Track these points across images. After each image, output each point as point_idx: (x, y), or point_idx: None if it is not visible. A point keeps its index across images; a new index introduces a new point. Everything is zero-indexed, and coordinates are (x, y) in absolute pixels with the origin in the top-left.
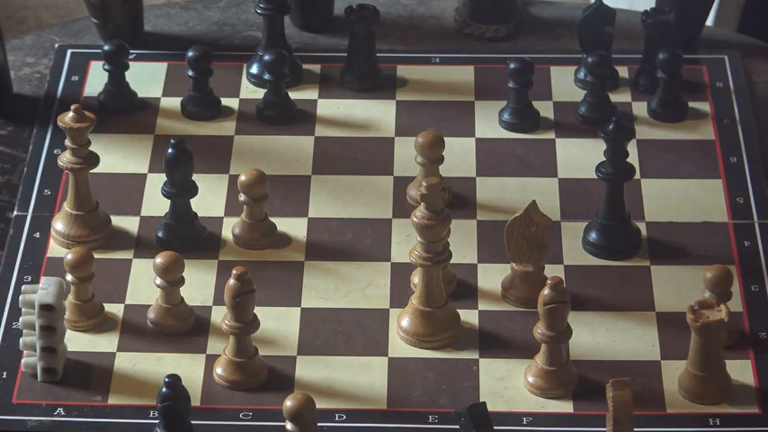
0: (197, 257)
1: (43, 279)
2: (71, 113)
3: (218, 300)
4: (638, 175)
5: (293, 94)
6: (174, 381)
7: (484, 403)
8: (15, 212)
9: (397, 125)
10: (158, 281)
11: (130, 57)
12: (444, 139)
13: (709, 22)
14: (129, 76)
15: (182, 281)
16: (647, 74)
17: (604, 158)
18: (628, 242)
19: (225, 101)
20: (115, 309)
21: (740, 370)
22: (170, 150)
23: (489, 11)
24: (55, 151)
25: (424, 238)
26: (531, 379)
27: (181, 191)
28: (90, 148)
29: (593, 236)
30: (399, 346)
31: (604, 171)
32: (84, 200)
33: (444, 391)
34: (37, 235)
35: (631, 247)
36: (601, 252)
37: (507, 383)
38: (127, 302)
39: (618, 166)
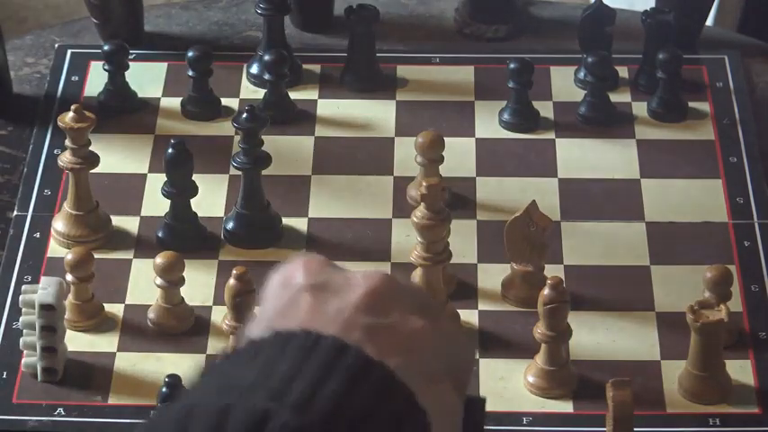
0: (197, 257)
1: (43, 279)
2: (71, 113)
3: (218, 300)
4: (637, 175)
5: (293, 94)
6: (174, 381)
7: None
8: (15, 212)
9: (397, 125)
10: (158, 281)
11: (130, 57)
12: (444, 139)
13: (709, 22)
14: (129, 76)
15: (182, 281)
16: (647, 74)
17: None
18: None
19: (225, 101)
20: (115, 309)
21: (740, 370)
22: (170, 150)
23: (489, 11)
24: (55, 151)
25: (424, 238)
26: (531, 379)
27: (181, 191)
28: (90, 148)
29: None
30: None
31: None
32: (84, 200)
33: None
34: (37, 235)
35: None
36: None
37: (507, 383)
38: (127, 302)
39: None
